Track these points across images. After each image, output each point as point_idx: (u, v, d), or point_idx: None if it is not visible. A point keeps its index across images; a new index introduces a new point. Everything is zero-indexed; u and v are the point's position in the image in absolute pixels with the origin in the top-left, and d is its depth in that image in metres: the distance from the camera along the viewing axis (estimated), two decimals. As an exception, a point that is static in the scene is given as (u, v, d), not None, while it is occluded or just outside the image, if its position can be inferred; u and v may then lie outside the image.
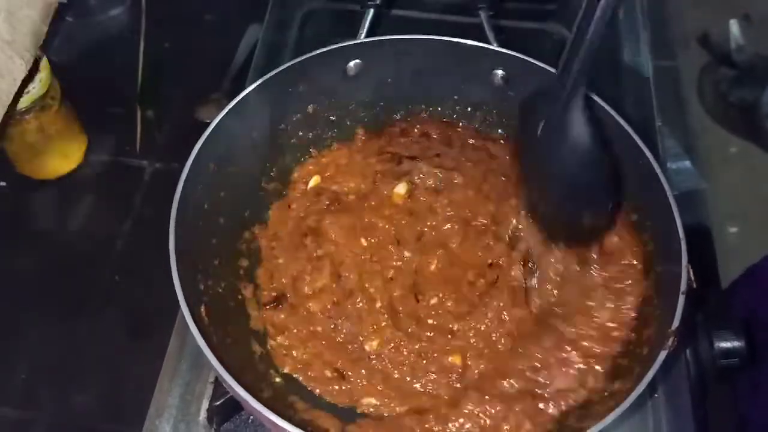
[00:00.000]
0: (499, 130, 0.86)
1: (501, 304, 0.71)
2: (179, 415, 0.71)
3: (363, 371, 0.70)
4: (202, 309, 0.67)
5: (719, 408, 0.89)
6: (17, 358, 0.82)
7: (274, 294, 0.75)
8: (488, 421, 0.65)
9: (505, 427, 0.64)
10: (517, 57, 0.79)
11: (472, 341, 0.71)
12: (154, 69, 1.04)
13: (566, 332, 0.68)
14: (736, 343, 0.76)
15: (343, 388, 0.69)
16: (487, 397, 0.66)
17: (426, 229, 0.77)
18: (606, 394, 0.65)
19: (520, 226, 0.76)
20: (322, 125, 0.84)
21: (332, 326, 0.72)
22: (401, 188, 0.80)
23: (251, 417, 0.72)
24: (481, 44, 0.80)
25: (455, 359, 0.70)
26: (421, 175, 0.80)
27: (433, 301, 0.73)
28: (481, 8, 0.92)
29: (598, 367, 0.67)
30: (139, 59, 1.03)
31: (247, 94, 0.74)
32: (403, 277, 0.75)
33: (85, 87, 0.99)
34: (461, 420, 0.65)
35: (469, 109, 0.86)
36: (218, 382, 0.72)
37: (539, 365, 0.67)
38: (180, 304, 0.61)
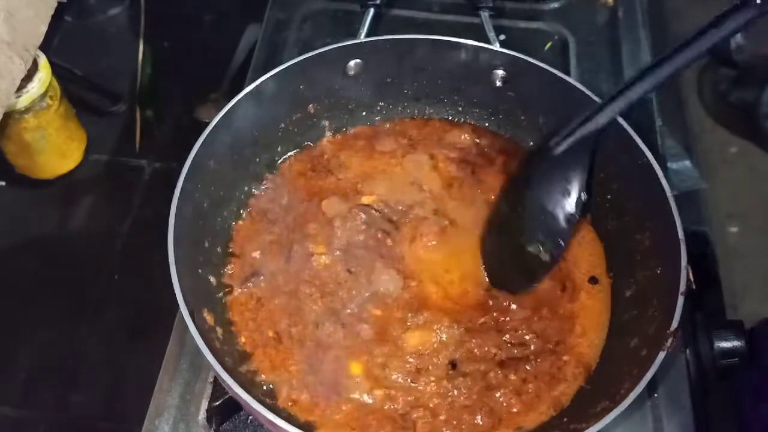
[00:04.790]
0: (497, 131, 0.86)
1: None
2: (179, 415, 0.71)
3: None
4: (204, 311, 0.68)
5: (719, 408, 0.89)
6: (17, 358, 0.82)
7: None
8: None
9: None
10: (518, 57, 0.79)
11: None
12: (154, 69, 1.04)
13: None
14: (736, 343, 0.76)
15: None
16: None
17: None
18: None
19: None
20: (321, 125, 0.84)
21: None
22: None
23: (250, 417, 0.72)
24: (481, 44, 0.80)
25: None
26: None
27: None
28: (482, 8, 0.91)
29: None
30: (138, 59, 1.03)
31: (246, 94, 0.74)
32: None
33: (84, 86, 0.99)
34: None
35: (469, 108, 0.86)
36: (217, 382, 0.72)
37: None
38: (179, 305, 0.61)
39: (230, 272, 0.74)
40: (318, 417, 0.66)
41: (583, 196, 0.68)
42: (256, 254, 0.75)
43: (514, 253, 0.71)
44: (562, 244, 0.69)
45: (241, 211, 0.78)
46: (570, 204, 0.68)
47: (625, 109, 0.64)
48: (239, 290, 0.73)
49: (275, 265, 0.74)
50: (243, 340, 0.70)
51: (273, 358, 0.69)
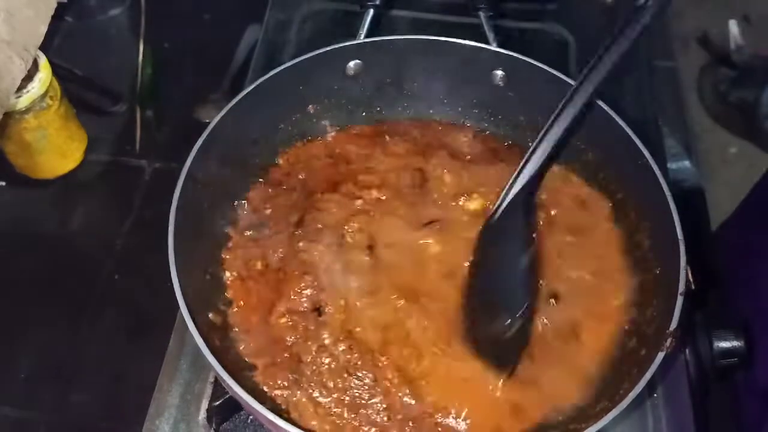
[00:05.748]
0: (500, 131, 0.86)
1: None
2: (179, 415, 0.71)
3: None
4: (210, 313, 0.68)
5: (719, 408, 0.89)
6: (17, 358, 0.82)
7: None
8: None
9: None
10: (517, 57, 0.79)
11: None
12: (154, 69, 1.04)
13: None
14: (735, 343, 0.76)
15: None
16: None
17: None
18: None
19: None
20: (321, 125, 0.84)
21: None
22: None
23: (250, 417, 0.72)
24: (480, 44, 0.80)
25: None
26: None
27: None
28: (481, 8, 0.92)
29: None
30: (139, 59, 1.03)
31: (246, 94, 0.74)
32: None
33: (84, 86, 0.99)
34: None
35: (468, 109, 0.86)
36: (218, 382, 0.72)
37: None
38: (179, 305, 0.61)
39: (237, 222, 0.75)
40: (260, 361, 0.67)
41: (530, 252, 0.69)
42: (268, 211, 0.76)
43: (488, 337, 0.66)
44: (527, 308, 0.66)
45: (260, 180, 0.79)
46: (521, 264, 0.68)
47: (543, 166, 0.69)
48: (241, 234, 0.74)
49: (285, 222, 0.75)
50: (227, 275, 0.72)
51: (250, 288, 0.71)
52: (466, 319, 0.66)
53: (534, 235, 0.70)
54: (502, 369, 0.64)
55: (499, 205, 0.69)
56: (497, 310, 0.66)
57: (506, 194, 0.69)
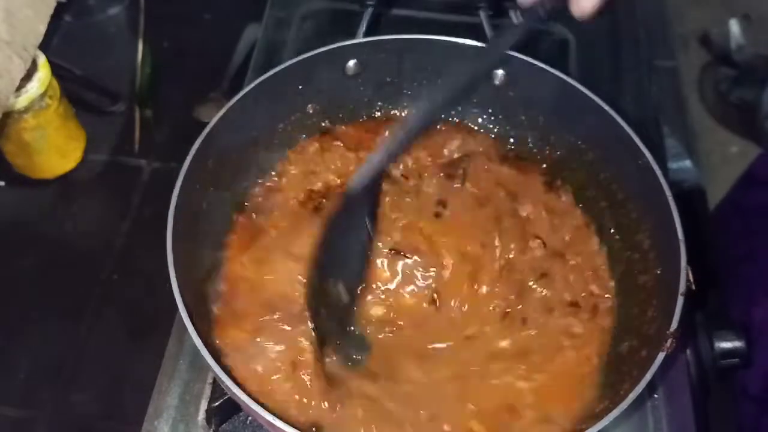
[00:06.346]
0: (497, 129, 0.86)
1: None
2: (178, 416, 0.71)
3: None
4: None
5: (719, 408, 0.89)
6: (17, 357, 0.82)
7: None
8: None
9: None
10: (517, 57, 0.79)
11: None
12: (153, 68, 1.04)
13: None
14: (736, 343, 0.76)
15: None
16: None
17: None
18: None
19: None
20: (322, 124, 0.84)
21: None
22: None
23: (249, 417, 0.72)
24: (481, 44, 0.80)
25: None
26: None
27: None
28: (481, 8, 0.91)
29: None
30: (138, 59, 1.03)
31: (245, 93, 0.74)
32: None
33: (84, 86, 0.99)
34: None
35: (468, 108, 0.86)
36: (216, 383, 0.72)
37: None
38: (177, 305, 0.61)
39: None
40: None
41: (371, 232, 0.70)
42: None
43: (323, 296, 0.68)
44: (359, 281, 0.70)
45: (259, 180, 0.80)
46: (361, 240, 0.70)
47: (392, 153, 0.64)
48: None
49: None
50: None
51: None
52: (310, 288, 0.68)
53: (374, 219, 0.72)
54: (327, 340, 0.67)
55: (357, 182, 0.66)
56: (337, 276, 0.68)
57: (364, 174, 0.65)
